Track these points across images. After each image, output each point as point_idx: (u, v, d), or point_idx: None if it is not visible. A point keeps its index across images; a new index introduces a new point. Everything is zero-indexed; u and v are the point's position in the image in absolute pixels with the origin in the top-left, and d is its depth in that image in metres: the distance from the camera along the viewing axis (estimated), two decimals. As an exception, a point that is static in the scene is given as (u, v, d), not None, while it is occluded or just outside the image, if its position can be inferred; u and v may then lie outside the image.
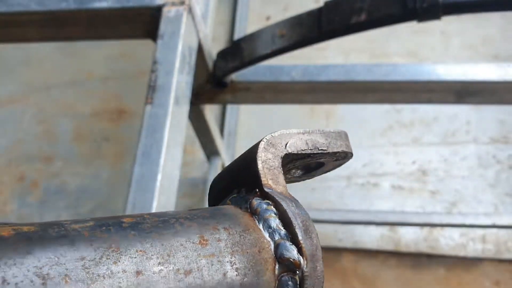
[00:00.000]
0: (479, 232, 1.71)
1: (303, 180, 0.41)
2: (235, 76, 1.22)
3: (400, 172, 1.81)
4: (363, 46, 2.04)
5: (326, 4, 1.03)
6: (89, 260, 0.24)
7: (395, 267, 1.67)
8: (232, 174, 0.36)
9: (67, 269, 0.23)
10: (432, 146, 1.85)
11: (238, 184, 0.35)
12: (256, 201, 0.32)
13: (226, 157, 1.70)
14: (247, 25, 2.13)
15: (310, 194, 1.78)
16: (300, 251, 0.30)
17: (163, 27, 0.98)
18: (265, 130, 1.98)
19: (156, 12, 1.01)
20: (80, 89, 2.09)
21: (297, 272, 0.30)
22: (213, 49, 1.19)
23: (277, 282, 0.30)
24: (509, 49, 2.00)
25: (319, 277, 0.31)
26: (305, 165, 0.39)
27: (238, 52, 1.13)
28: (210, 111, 1.41)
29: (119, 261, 0.25)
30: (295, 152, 0.35)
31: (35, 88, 2.12)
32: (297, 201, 0.33)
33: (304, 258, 0.30)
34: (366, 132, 1.87)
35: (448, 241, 1.71)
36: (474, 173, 1.79)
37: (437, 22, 0.99)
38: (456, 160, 1.82)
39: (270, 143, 0.35)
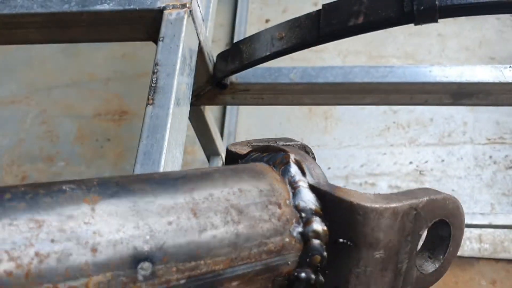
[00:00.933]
0: (476, 231, 1.72)
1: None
2: (234, 78, 1.23)
3: (397, 172, 1.83)
4: (361, 48, 2.06)
5: (324, 7, 1.04)
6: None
7: (392, 266, 1.69)
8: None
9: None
10: (428, 147, 1.87)
11: None
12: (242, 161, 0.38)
13: (226, 158, 1.71)
14: (247, 28, 2.14)
15: (309, 194, 1.79)
16: (302, 171, 0.35)
17: (164, 29, 0.99)
18: (264, 130, 2.00)
19: (157, 15, 1.02)
20: (82, 90, 2.11)
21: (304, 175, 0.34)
22: (213, 51, 1.20)
23: (290, 188, 0.34)
24: (505, 51, 2.02)
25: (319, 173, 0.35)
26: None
27: (238, 54, 1.14)
28: (210, 112, 1.43)
29: None
30: (257, 143, 0.40)
31: (37, 89, 2.13)
32: None
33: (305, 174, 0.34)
34: (363, 133, 1.89)
35: (445, 241, 1.72)
36: (471, 174, 1.81)
37: (434, 24, 1.01)
38: (452, 161, 1.83)
39: (233, 144, 0.40)
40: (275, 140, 0.42)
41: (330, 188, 0.33)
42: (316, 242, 0.32)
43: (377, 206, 0.32)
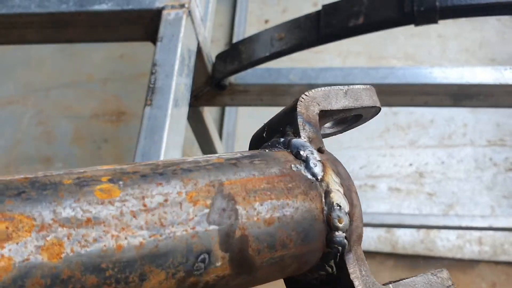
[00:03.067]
0: (476, 234, 1.72)
1: (335, 134, 0.47)
2: (233, 79, 1.23)
3: (397, 174, 1.82)
4: (361, 49, 2.06)
5: (324, 7, 1.04)
6: None
7: (392, 268, 1.69)
8: (271, 127, 0.43)
9: None
10: (428, 149, 1.86)
11: (277, 134, 0.41)
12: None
13: (225, 159, 1.70)
14: (246, 28, 2.14)
15: (308, 196, 1.79)
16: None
17: (163, 29, 0.99)
18: (264, 132, 2.00)
19: (155, 15, 1.02)
20: (80, 90, 2.11)
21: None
22: (212, 51, 1.20)
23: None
24: (506, 53, 2.02)
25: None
26: (339, 119, 0.45)
27: (237, 54, 1.13)
28: (209, 113, 1.42)
29: None
30: (335, 108, 0.41)
31: (35, 89, 2.13)
32: (331, 154, 0.39)
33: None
34: (363, 135, 1.88)
35: (445, 243, 1.72)
36: (471, 176, 1.80)
37: (434, 26, 1.00)
38: (453, 163, 1.83)
39: (310, 98, 0.40)
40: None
41: None
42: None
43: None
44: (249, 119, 1.97)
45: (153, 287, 0.28)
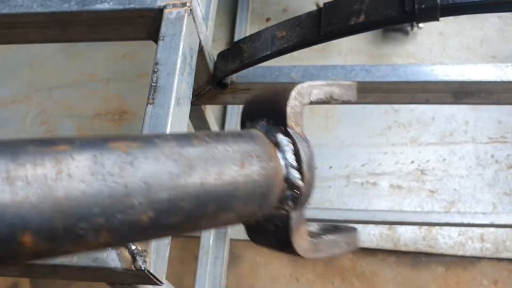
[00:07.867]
0: (478, 231, 1.72)
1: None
2: (235, 77, 1.23)
3: (399, 172, 1.82)
4: (362, 47, 2.06)
5: (325, 6, 1.04)
6: None
7: (394, 265, 1.69)
8: (261, 105, 0.50)
9: None
10: (430, 146, 1.86)
11: (266, 115, 0.48)
12: (280, 137, 0.45)
13: (227, 157, 1.70)
14: (247, 27, 2.14)
15: (310, 193, 1.79)
16: (302, 179, 0.43)
17: (164, 28, 0.99)
18: (265, 130, 2.00)
19: (157, 14, 1.02)
20: (82, 90, 2.11)
21: (296, 191, 0.43)
22: (213, 50, 1.20)
23: (282, 194, 0.43)
24: (507, 50, 2.01)
25: (309, 195, 0.44)
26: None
27: (238, 53, 1.13)
28: (211, 111, 1.43)
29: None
30: (316, 101, 0.49)
31: (38, 89, 2.13)
32: (308, 141, 0.45)
33: (304, 183, 0.43)
34: (364, 132, 1.88)
35: (447, 240, 1.72)
36: (473, 173, 1.80)
37: (434, 23, 1.00)
38: (454, 160, 1.83)
39: (300, 93, 0.48)
40: (336, 87, 0.52)
41: None
42: None
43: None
44: (250, 118, 1.97)
45: None
